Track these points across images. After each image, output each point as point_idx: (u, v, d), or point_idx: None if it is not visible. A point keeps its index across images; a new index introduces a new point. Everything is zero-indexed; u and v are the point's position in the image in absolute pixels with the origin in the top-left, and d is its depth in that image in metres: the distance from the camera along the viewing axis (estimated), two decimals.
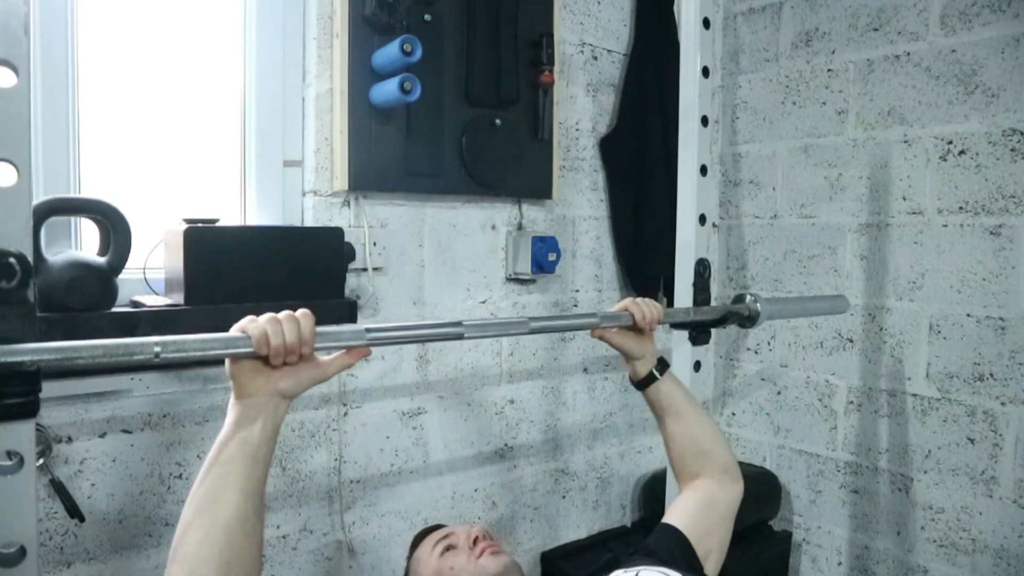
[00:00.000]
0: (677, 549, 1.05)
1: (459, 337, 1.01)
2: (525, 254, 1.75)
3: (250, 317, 0.84)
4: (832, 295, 1.88)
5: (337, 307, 1.39)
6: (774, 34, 2.09)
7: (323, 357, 0.90)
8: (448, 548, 1.17)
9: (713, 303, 1.45)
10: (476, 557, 1.13)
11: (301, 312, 0.85)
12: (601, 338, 1.17)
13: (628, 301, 1.18)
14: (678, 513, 1.13)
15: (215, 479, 0.80)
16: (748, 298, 1.38)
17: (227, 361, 0.83)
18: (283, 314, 0.84)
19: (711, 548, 1.09)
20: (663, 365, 1.20)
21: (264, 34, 1.48)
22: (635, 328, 1.16)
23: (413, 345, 1.63)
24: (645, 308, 1.16)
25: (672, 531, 1.08)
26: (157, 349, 0.76)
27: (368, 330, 0.92)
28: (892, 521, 1.89)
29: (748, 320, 1.37)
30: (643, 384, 1.20)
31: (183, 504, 0.80)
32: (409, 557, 1.25)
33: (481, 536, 1.17)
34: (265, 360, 0.82)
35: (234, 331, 0.82)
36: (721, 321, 1.37)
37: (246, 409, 0.83)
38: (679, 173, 1.40)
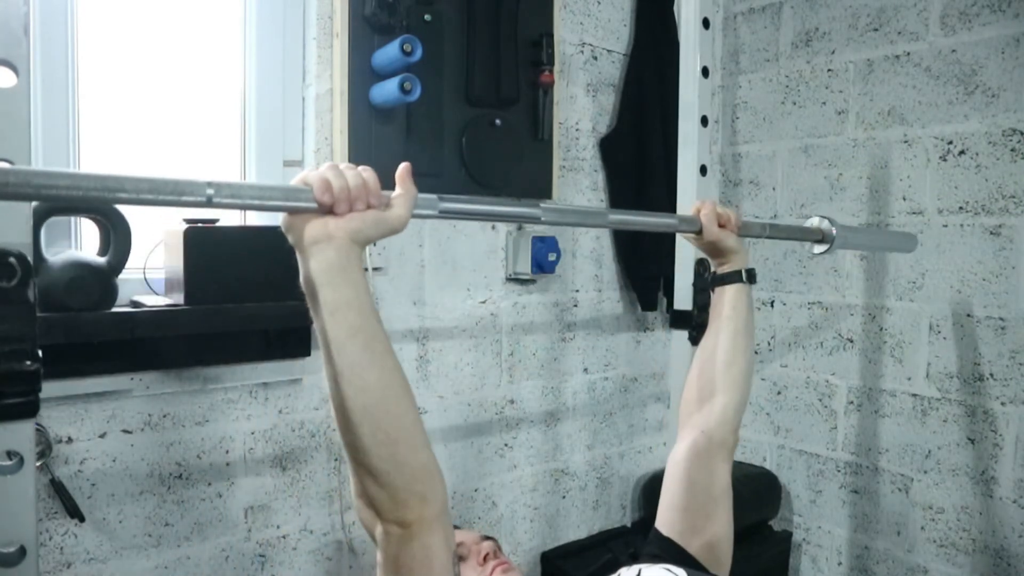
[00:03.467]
0: (668, 556, 1.02)
1: (536, 220, 0.96)
2: (525, 254, 1.75)
3: (308, 169, 0.77)
4: (903, 232, 1.72)
5: None
6: (774, 34, 2.09)
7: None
8: (457, 558, 1.16)
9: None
10: (487, 575, 1.12)
11: (363, 167, 0.79)
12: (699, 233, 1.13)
13: (699, 203, 1.13)
14: (667, 510, 1.07)
15: (348, 330, 0.72)
16: (817, 219, 1.30)
17: (283, 215, 0.75)
18: (343, 164, 0.78)
19: (711, 539, 1.04)
20: (752, 276, 1.16)
21: (264, 34, 1.48)
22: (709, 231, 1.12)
23: (413, 345, 1.63)
24: (721, 209, 1.13)
25: (662, 540, 1.05)
26: (210, 192, 0.68)
27: (441, 198, 0.86)
28: (892, 521, 1.89)
29: (822, 243, 1.29)
30: (726, 279, 1.14)
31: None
32: None
33: (491, 553, 1.16)
34: (329, 211, 0.75)
35: (295, 182, 0.76)
36: (795, 238, 1.28)
37: (328, 251, 0.74)
38: (679, 173, 1.41)
